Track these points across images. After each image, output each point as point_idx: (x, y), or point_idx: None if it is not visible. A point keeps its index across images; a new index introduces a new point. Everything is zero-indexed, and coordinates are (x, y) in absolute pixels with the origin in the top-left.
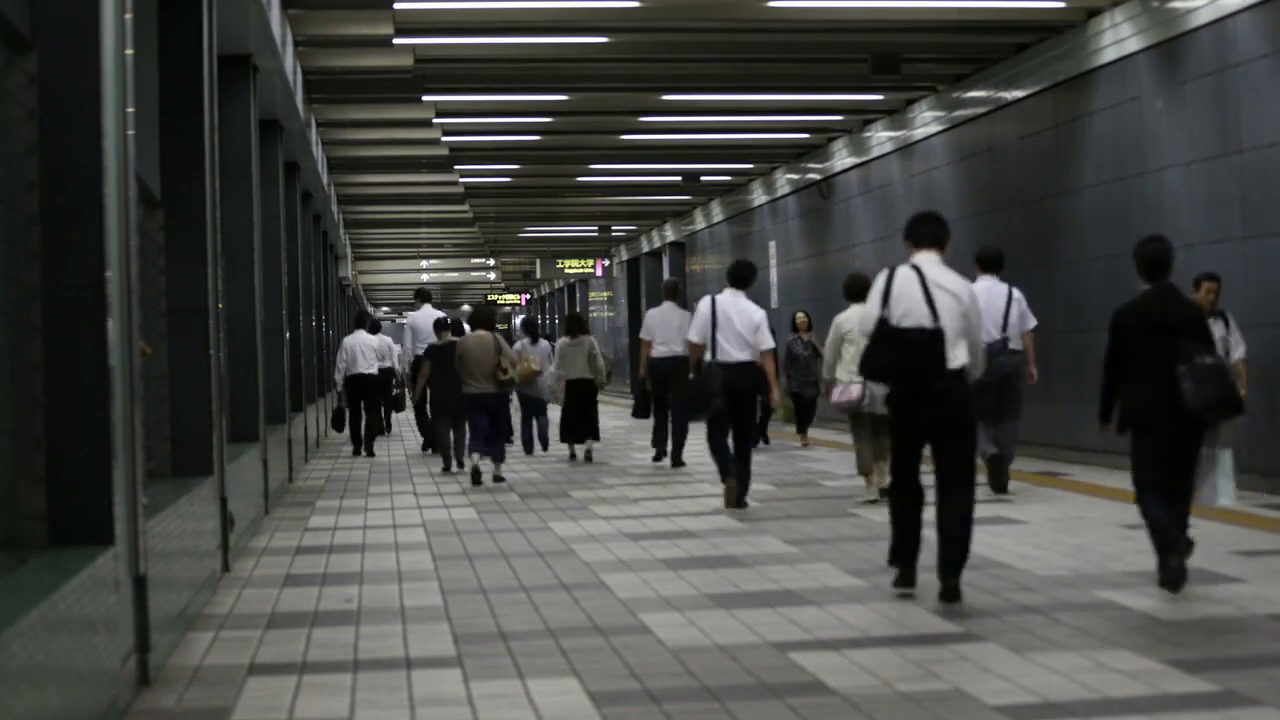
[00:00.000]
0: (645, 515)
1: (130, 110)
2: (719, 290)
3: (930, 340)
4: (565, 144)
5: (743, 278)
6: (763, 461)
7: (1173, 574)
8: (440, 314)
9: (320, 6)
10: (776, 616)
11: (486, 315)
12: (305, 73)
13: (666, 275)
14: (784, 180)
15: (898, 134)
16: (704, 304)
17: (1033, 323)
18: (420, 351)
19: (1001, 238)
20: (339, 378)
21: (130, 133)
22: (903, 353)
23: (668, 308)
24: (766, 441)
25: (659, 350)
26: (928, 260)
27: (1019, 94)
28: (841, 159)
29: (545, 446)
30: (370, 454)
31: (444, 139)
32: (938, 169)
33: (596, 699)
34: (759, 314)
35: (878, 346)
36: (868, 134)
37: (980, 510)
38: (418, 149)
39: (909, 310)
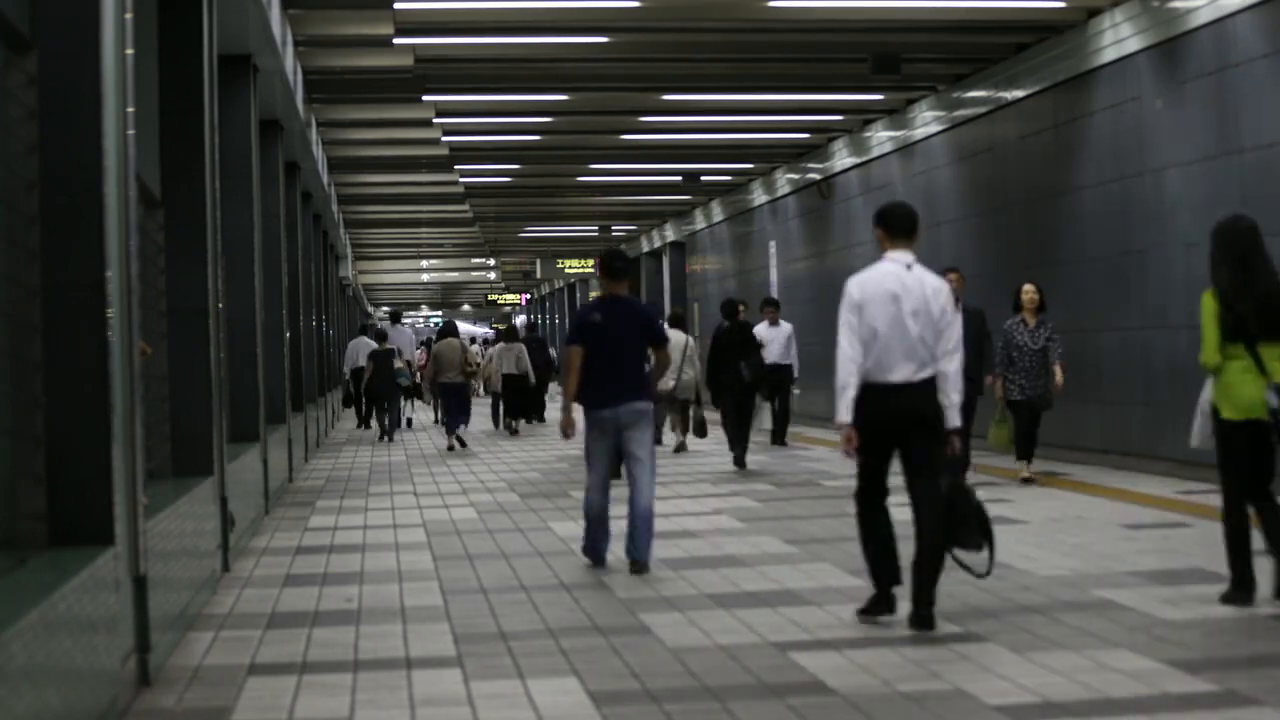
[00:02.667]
0: None
1: (130, 110)
2: (719, 291)
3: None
4: (565, 144)
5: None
6: (763, 461)
7: (739, 461)
8: (406, 328)
9: (320, 6)
10: (777, 616)
11: (453, 328)
12: (305, 73)
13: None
14: (784, 180)
15: (898, 134)
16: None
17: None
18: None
19: (1001, 238)
20: (346, 370)
21: (130, 133)
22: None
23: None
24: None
25: None
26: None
27: (1019, 94)
28: (841, 159)
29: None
30: (369, 426)
31: (444, 139)
32: (938, 169)
33: (596, 699)
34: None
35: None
36: (868, 134)
37: None
38: (418, 149)
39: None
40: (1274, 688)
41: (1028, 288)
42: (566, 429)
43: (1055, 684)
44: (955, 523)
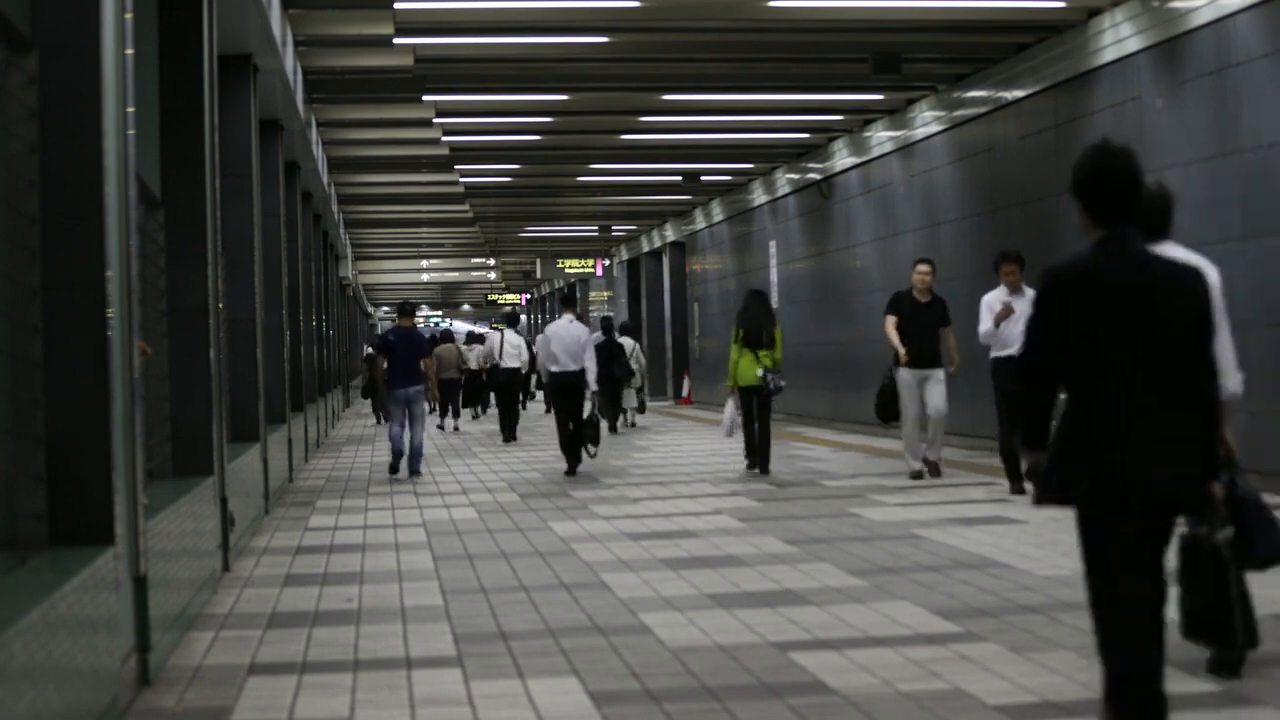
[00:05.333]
0: (645, 515)
1: (130, 110)
2: (719, 291)
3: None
4: (565, 144)
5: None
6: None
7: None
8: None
9: (320, 6)
10: (776, 616)
11: (450, 335)
12: (305, 73)
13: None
14: (784, 180)
15: (898, 134)
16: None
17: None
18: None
19: (1001, 238)
20: (364, 365)
21: (130, 133)
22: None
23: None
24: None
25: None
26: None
27: (1019, 94)
28: (841, 159)
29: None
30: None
31: (444, 139)
32: (938, 169)
33: (596, 699)
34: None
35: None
36: (868, 134)
37: (980, 510)
38: (418, 149)
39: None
40: (1274, 688)
41: None
42: (386, 403)
43: (1055, 684)
44: (587, 434)
